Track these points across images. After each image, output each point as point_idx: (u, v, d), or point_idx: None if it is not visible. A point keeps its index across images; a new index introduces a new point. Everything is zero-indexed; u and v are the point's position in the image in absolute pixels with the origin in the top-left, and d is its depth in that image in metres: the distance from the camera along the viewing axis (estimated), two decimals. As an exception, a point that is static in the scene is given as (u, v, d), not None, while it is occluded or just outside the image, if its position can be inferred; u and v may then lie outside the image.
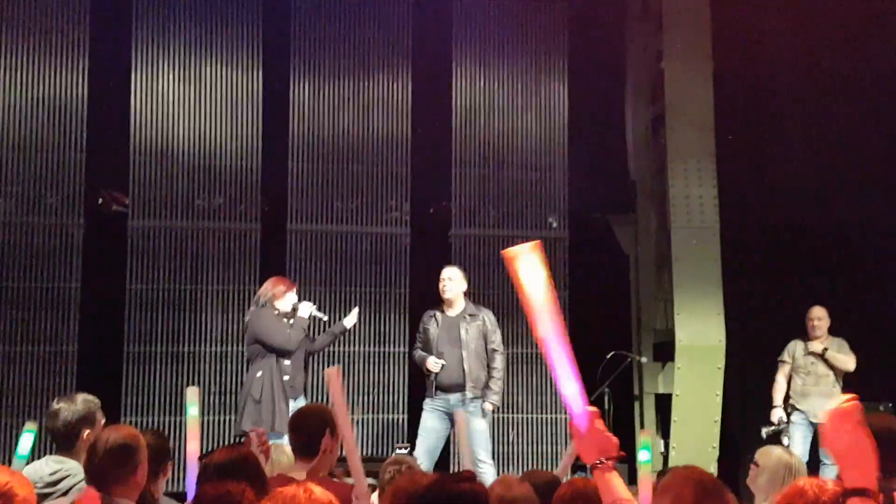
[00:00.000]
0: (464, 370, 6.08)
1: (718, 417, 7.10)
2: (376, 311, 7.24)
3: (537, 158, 7.63)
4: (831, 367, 6.71)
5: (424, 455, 6.02)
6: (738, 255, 7.47)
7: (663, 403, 7.43)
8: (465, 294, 6.29)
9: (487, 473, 5.81)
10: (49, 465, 3.56)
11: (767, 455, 3.64)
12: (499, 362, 6.19)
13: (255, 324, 5.90)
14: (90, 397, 3.76)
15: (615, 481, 2.17)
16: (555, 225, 7.64)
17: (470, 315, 6.21)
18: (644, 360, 7.45)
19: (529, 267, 2.16)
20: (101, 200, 7.15)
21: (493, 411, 6.27)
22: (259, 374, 5.79)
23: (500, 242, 7.47)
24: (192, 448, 3.36)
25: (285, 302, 5.95)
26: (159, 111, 7.14)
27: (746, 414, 7.51)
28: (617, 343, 7.16)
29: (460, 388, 6.10)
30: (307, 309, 5.99)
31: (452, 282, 6.18)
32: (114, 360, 6.88)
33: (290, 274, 7.10)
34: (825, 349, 6.70)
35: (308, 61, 7.39)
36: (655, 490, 2.54)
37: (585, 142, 7.76)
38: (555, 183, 7.63)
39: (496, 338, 6.22)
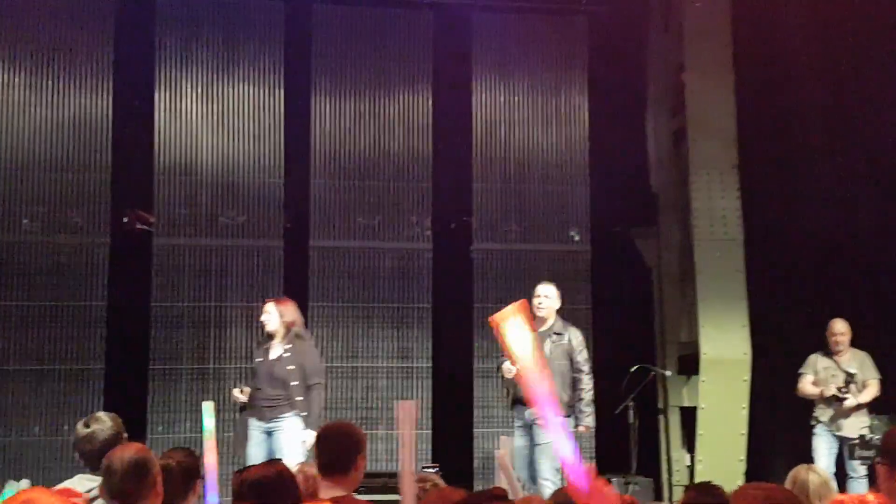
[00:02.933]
0: None
1: (745, 430, 7.03)
2: (399, 327, 7.25)
3: (558, 172, 7.62)
4: (852, 379, 6.57)
5: (521, 472, 5.87)
6: (763, 266, 7.40)
7: (688, 417, 7.36)
8: (559, 312, 6.13)
9: (548, 490, 5.62)
10: (83, 484, 3.59)
11: (795, 479, 3.58)
12: (585, 383, 6.03)
13: (311, 357, 5.81)
14: (113, 415, 3.79)
15: None
16: (577, 238, 7.62)
17: (556, 333, 6.06)
18: (668, 373, 7.39)
19: (515, 331, 2.18)
20: (126, 219, 7.22)
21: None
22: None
23: (523, 257, 7.48)
24: (210, 461, 3.37)
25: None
26: (183, 130, 7.22)
27: (775, 426, 7.42)
28: (641, 356, 7.12)
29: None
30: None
31: (549, 299, 6.06)
32: (139, 377, 6.93)
33: (312, 290, 7.14)
34: (848, 383, 6.49)
35: (329, 79, 7.44)
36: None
37: (607, 155, 7.74)
38: (576, 196, 7.62)
39: (581, 357, 6.06)
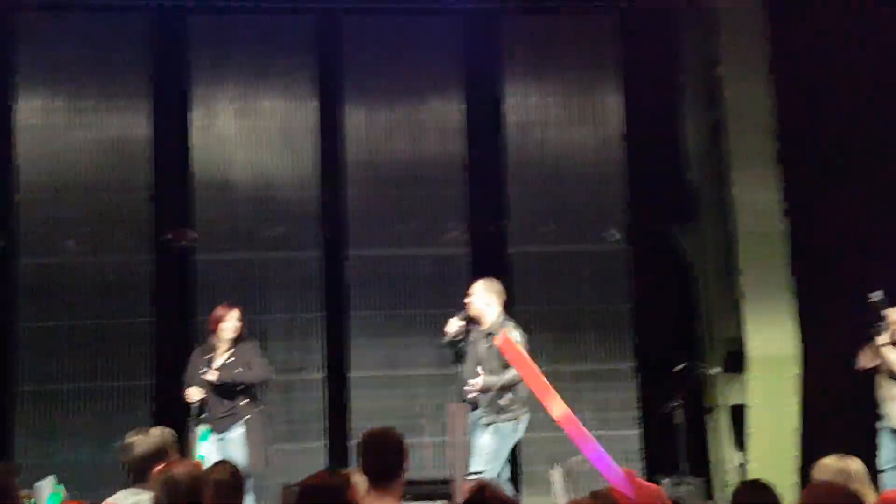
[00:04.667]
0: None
1: (797, 426, 6.89)
2: (438, 333, 7.22)
3: (595, 171, 7.55)
4: None
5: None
6: (809, 258, 7.24)
7: (738, 415, 7.23)
8: (505, 308, 5.98)
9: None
10: (127, 499, 3.65)
11: (823, 468, 3.53)
12: (509, 373, 5.67)
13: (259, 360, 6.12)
14: (166, 431, 3.84)
15: None
16: (616, 237, 7.53)
17: (490, 334, 5.83)
18: (715, 371, 7.27)
19: (512, 352, 2.20)
20: (169, 236, 7.34)
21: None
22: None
23: (561, 258, 7.42)
24: None
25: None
26: (218, 146, 7.31)
27: (827, 421, 7.25)
28: (686, 355, 7.01)
29: (474, 403, 5.80)
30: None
31: (474, 296, 5.93)
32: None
33: (352, 300, 7.18)
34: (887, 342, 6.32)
35: (361, 89, 7.47)
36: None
37: (643, 152, 7.64)
38: (614, 195, 7.53)
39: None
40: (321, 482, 3.11)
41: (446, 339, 5.96)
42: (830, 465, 3.55)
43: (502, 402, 5.85)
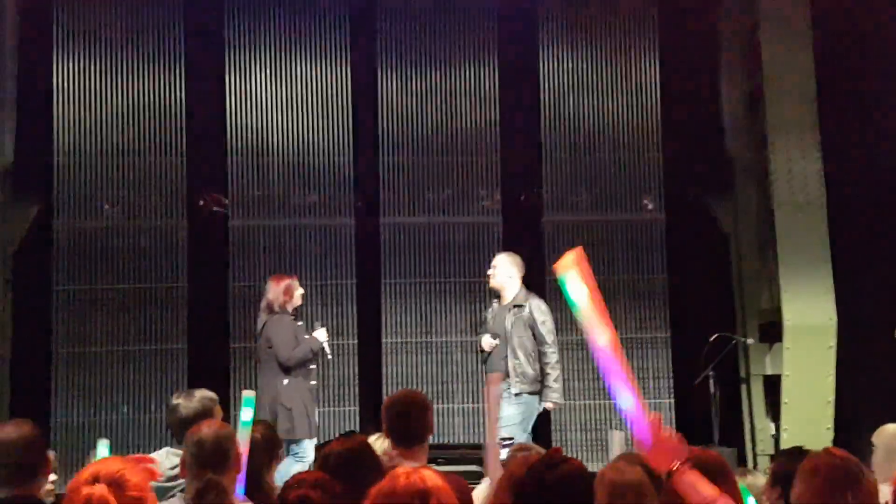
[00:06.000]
0: (506, 361, 5.94)
1: (832, 398, 6.83)
2: (471, 301, 7.23)
3: (630, 139, 7.47)
4: None
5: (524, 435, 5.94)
6: (847, 228, 7.15)
7: (771, 385, 7.19)
8: (523, 281, 6.12)
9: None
10: (169, 459, 3.68)
11: (880, 433, 3.52)
12: (550, 356, 5.97)
13: (271, 330, 6.04)
14: (208, 394, 3.86)
15: (698, 481, 2.14)
16: (650, 207, 7.47)
17: (516, 306, 6.02)
18: (750, 341, 7.21)
19: (571, 283, 2.16)
20: (201, 202, 7.36)
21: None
22: (288, 381, 5.95)
23: (595, 227, 7.37)
24: (243, 453, 3.36)
25: (297, 299, 6.09)
26: (253, 112, 7.31)
27: (863, 393, 7.20)
28: (721, 325, 6.96)
29: (505, 375, 5.90)
30: (322, 337, 6.04)
31: (496, 269, 6.08)
32: (221, 356, 7.08)
33: (384, 267, 7.19)
34: None
35: (394, 55, 7.43)
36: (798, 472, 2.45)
37: (680, 120, 7.55)
38: (649, 164, 7.46)
39: (543, 329, 5.99)
40: (341, 448, 3.14)
41: (483, 355, 6.15)
42: (889, 431, 3.53)
43: (533, 372, 5.88)
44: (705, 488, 2.13)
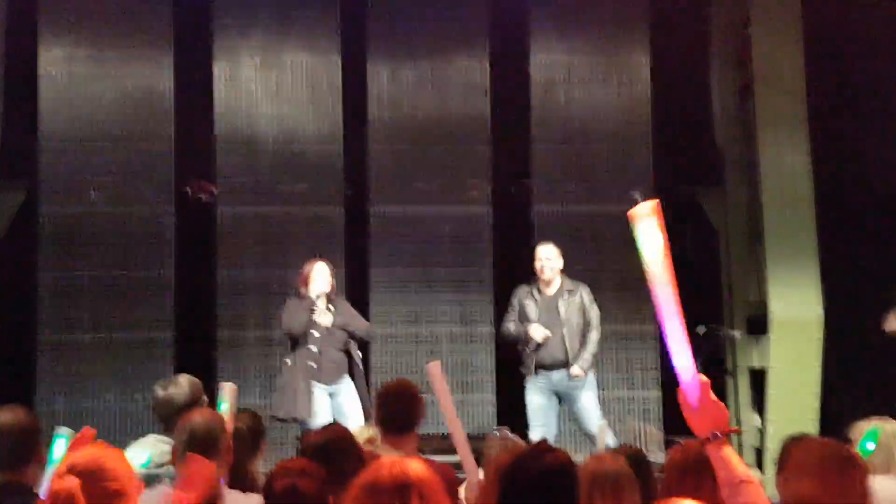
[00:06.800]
0: (566, 348, 6.02)
1: (818, 390, 6.87)
2: (460, 291, 7.22)
3: (620, 131, 7.46)
4: None
5: (542, 429, 5.98)
6: (835, 222, 7.18)
7: (758, 378, 7.22)
8: (560, 270, 6.26)
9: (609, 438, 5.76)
10: (156, 446, 3.66)
11: (859, 430, 3.49)
12: (593, 336, 6.17)
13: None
14: (193, 379, 3.85)
15: (732, 457, 2.11)
16: (639, 199, 7.44)
17: (568, 291, 6.18)
18: (737, 334, 7.24)
19: (645, 231, 2.15)
20: (188, 189, 7.31)
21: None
22: (287, 361, 5.96)
23: (584, 219, 7.36)
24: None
25: (315, 285, 6.00)
26: (242, 99, 7.25)
27: (849, 386, 7.24)
28: (708, 318, 6.97)
29: (563, 364, 6.04)
30: (326, 321, 5.99)
31: (551, 261, 6.16)
32: (207, 344, 7.05)
33: (372, 256, 7.16)
34: None
35: (385, 43, 7.39)
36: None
37: (670, 112, 7.55)
38: (639, 156, 7.45)
39: (594, 314, 6.19)
40: (321, 437, 3.13)
41: (531, 345, 6.11)
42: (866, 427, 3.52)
43: (587, 355, 6.10)
44: (739, 467, 2.10)
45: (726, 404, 7.06)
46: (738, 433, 2.15)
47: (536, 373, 6.07)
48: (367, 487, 2.03)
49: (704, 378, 2.15)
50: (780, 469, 2.60)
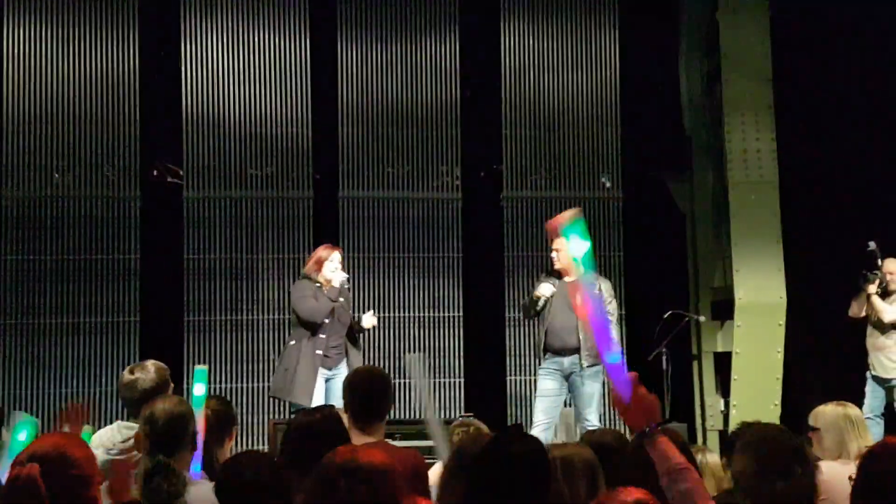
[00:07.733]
0: (579, 337, 6.03)
1: (780, 375, 6.98)
2: (429, 276, 7.23)
3: (589, 116, 7.50)
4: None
5: (542, 415, 6.00)
6: (799, 208, 7.27)
7: (722, 362, 7.32)
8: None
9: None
10: (121, 433, 3.62)
11: (822, 415, 3.55)
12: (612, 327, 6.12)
13: (292, 293, 6.02)
14: (161, 365, 3.80)
15: (667, 448, 2.17)
16: (608, 185, 7.51)
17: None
18: (702, 318, 7.33)
19: (576, 235, 2.18)
20: (155, 172, 7.23)
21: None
22: (293, 342, 5.87)
23: (553, 204, 7.39)
24: (199, 429, 3.32)
25: (337, 274, 5.92)
26: (209, 81, 7.17)
27: (811, 371, 7.36)
28: (674, 303, 7.05)
29: (573, 351, 6.02)
30: (339, 278, 5.92)
31: (559, 252, 6.05)
32: (174, 329, 6.99)
33: (342, 241, 7.13)
34: (877, 291, 6.43)
35: (354, 26, 7.34)
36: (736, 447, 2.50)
37: (639, 98, 7.59)
38: (608, 141, 7.50)
39: (612, 307, 6.15)
40: (306, 421, 3.12)
41: (541, 301, 6.03)
42: (828, 412, 3.58)
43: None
44: (676, 455, 2.15)
45: (691, 387, 7.16)
46: (670, 422, 2.21)
47: (545, 357, 6.08)
48: (318, 473, 2.05)
49: (633, 373, 2.20)
50: (728, 451, 2.67)
